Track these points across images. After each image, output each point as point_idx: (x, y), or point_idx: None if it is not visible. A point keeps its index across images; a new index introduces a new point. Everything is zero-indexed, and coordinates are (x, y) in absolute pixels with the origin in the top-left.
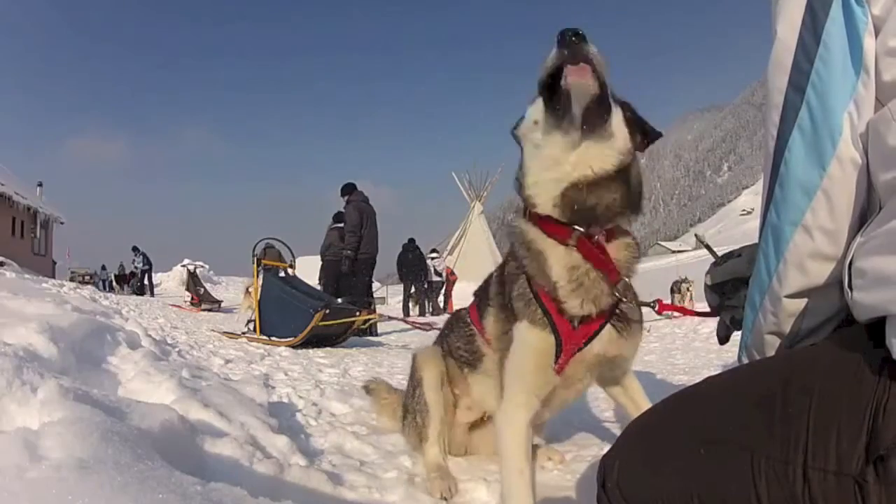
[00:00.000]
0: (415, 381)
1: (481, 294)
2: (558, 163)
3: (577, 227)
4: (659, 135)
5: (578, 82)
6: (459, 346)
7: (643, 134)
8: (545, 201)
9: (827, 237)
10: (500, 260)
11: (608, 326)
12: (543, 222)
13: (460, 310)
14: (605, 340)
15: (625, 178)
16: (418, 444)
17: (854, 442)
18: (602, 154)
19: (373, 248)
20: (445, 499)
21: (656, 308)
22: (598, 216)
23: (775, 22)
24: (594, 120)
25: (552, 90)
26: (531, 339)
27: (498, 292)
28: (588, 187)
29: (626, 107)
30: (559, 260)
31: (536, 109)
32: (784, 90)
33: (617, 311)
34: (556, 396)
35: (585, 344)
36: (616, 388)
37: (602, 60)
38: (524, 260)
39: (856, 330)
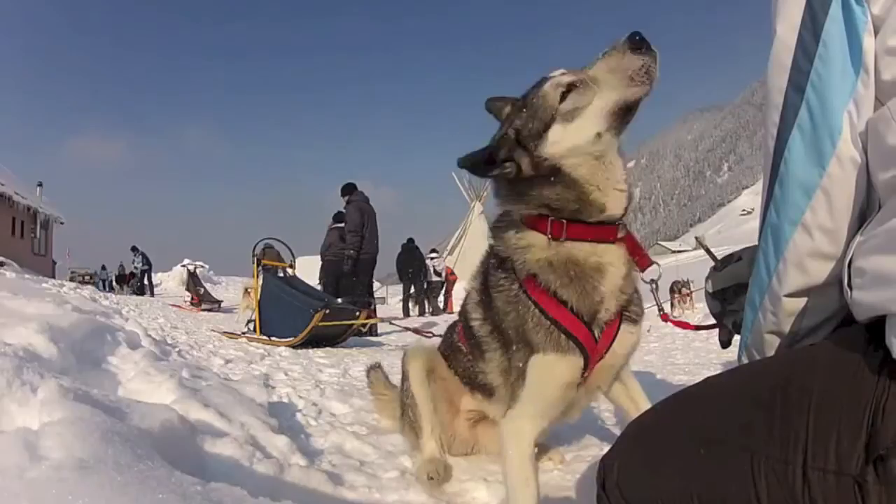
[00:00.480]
0: (403, 375)
1: (467, 321)
2: (617, 168)
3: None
4: None
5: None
6: (459, 369)
7: None
8: (615, 209)
9: (826, 236)
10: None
11: (624, 322)
12: (594, 229)
13: (453, 326)
14: (624, 336)
15: None
16: (416, 441)
17: (854, 442)
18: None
19: (373, 248)
20: (432, 478)
21: (661, 314)
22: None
23: (775, 21)
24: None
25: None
26: (560, 369)
27: (494, 330)
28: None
29: None
30: (617, 259)
31: (599, 119)
32: (784, 89)
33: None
34: (575, 404)
35: (607, 349)
36: (616, 386)
37: None
38: (553, 283)
39: (855, 329)
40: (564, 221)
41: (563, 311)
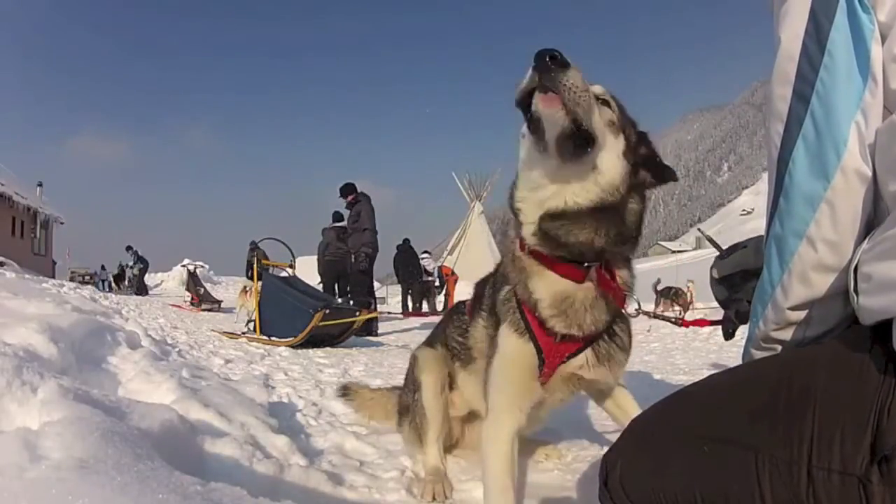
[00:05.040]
0: (415, 383)
1: (478, 290)
2: (537, 186)
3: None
4: (672, 177)
5: (547, 111)
6: (454, 338)
7: (654, 171)
8: (527, 222)
9: (830, 248)
10: (499, 259)
11: (589, 350)
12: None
13: (461, 302)
14: (585, 362)
15: (611, 215)
16: (417, 443)
17: (858, 442)
18: (580, 187)
19: (378, 247)
20: (438, 502)
21: (681, 322)
22: (581, 251)
23: (778, 30)
24: (570, 151)
25: (530, 109)
26: (512, 347)
27: (488, 296)
28: (562, 219)
29: (640, 139)
30: (546, 285)
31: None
32: (788, 99)
33: (603, 338)
34: (542, 404)
35: (568, 359)
36: (606, 401)
37: (578, 91)
38: (511, 273)
39: (858, 330)
40: None
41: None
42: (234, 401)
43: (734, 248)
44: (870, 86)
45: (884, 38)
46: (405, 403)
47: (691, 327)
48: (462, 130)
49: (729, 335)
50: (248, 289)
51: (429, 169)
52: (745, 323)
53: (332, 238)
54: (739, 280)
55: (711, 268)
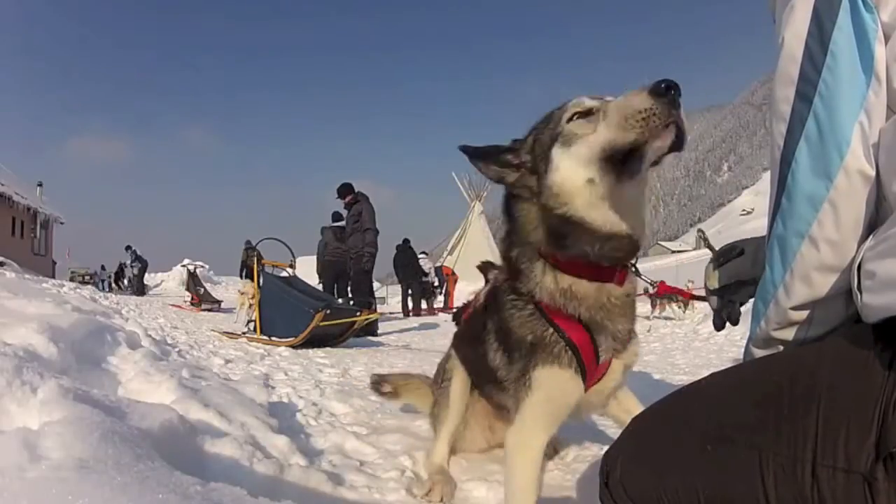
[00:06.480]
0: (446, 377)
1: (469, 333)
2: (620, 212)
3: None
4: None
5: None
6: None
7: None
8: (615, 252)
9: (832, 248)
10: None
11: (615, 358)
12: (592, 269)
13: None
14: (614, 368)
15: None
16: (432, 434)
17: (863, 439)
18: None
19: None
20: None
21: (656, 290)
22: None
23: (781, 30)
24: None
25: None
26: (561, 383)
27: (504, 348)
28: None
29: None
30: (616, 300)
31: (592, 155)
32: (791, 100)
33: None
34: (575, 416)
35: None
36: (612, 403)
37: None
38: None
39: (861, 327)
40: (558, 254)
41: (578, 328)
42: (234, 401)
43: (729, 250)
44: (873, 86)
45: (887, 38)
46: (435, 394)
47: (692, 327)
48: (462, 130)
49: (719, 327)
50: (243, 290)
51: (429, 169)
52: (736, 325)
53: (331, 238)
54: (734, 289)
55: (706, 278)
